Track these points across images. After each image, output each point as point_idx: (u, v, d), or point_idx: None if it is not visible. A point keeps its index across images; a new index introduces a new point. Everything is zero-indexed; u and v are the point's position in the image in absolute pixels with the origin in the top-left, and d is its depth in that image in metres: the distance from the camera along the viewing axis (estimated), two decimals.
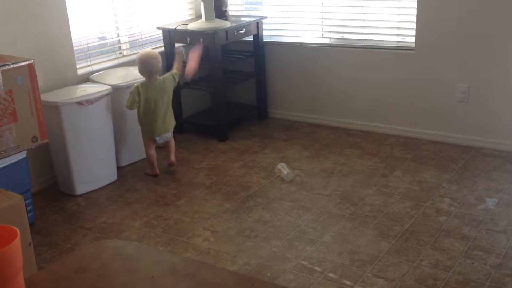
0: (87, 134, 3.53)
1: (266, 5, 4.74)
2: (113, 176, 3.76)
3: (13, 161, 3.04)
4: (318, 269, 2.68)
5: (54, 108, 3.37)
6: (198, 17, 4.58)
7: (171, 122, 3.81)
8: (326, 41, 4.49)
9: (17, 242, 1.15)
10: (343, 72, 4.40)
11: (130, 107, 3.65)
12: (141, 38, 4.37)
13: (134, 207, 3.40)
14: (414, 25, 4.01)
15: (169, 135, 3.80)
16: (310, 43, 4.53)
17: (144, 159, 3.99)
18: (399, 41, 4.18)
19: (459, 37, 3.87)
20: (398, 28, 4.18)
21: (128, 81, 3.81)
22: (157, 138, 3.74)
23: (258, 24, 4.52)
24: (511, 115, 3.84)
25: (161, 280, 1.39)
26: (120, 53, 4.26)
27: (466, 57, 3.88)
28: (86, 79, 3.85)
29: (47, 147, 3.52)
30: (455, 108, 4.01)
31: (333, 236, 2.96)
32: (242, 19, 4.56)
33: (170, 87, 3.77)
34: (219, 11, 4.46)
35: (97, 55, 4.06)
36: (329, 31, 4.47)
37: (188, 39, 4.27)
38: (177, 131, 4.02)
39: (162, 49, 4.37)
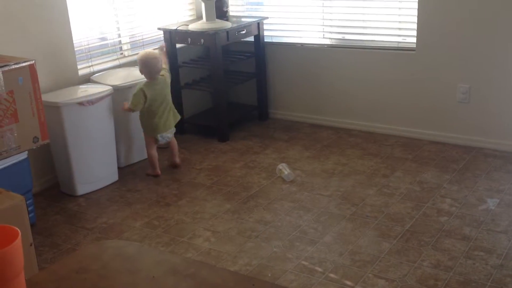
0: (88, 135, 3.54)
1: (267, 6, 4.74)
2: (114, 177, 3.76)
3: (14, 161, 3.05)
4: (319, 269, 2.68)
5: (55, 109, 3.37)
6: (199, 17, 4.58)
7: (174, 118, 3.84)
8: (327, 42, 4.49)
9: (18, 242, 1.15)
10: (344, 72, 4.40)
11: (135, 108, 3.65)
12: (142, 39, 4.37)
13: (135, 208, 3.41)
14: (415, 26, 4.02)
15: (171, 133, 3.81)
16: (311, 43, 4.53)
17: (144, 159, 3.99)
18: (400, 42, 4.18)
19: (460, 37, 3.87)
20: (399, 29, 4.18)
21: (129, 82, 3.81)
22: (159, 137, 3.74)
23: (259, 25, 4.52)
24: None
25: (162, 281, 1.39)
26: (121, 53, 4.26)
27: (467, 57, 3.88)
28: (87, 79, 3.85)
29: (48, 147, 3.53)
30: (456, 108, 4.01)
31: (334, 237, 2.96)
32: (243, 19, 4.56)
33: (169, 82, 3.79)
34: (220, 12, 4.46)
35: (98, 56, 4.06)
36: (330, 32, 4.47)
37: (189, 39, 4.27)
38: (178, 131, 4.02)
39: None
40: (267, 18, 4.59)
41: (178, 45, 4.42)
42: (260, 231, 3.06)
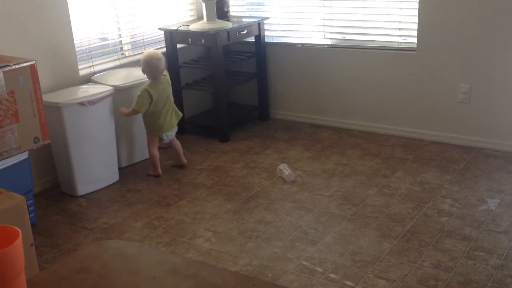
0: (88, 135, 3.54)
1: (267, 6, 4.74)
2: (115, 177, 3.77)
3: (15, 161, 3.05)
4: (320, 269, 2.68)
5: (56, 109, 3.37)
6: (200, 18, 4.59)
7: (177, 116, 3.86)
8: (328, 42, 4.49)
9: (19, 242, 1.16)
10: (345, 72, 4.40)
11: (140, 110, 3.65)
12: (143, 39, 4.37)
13: (135, 208, 3.41)
14: (415, 26, 4.01)
15: (174, 132, 3.84)
16: (312, 43, 4.53)
17: (145, 159, 4.00)
18: (400, 42, 4.18)
19: (460, 37, 3.87)
20: (400, 29, 4.18)
21: (130, 82, 3.82)
22: (164, 136, 3.77)
23: (259, 25, 4.52)
24: None
25: (163, 281, 1.40)
26: (122, 53, 4.26)
27: (468, 57, 3.88)
28: (88, 79, 3.85)
29: (49, 147, 3.53)
30: (456, 108, 4.01)
31: (334, 237, 2.96)
32: (243, 20, 4.56)
33: (170, 81, 3.81)
34: (221, 12, 4.47)
35: (99, 56, 4.06)
36: (330, 32, 4.47)
37: (190, 39, 4.27)
38: (179, 131, 4.02)
39: (164, 50, 4.37)
40: (267, 18, 4.59)
41: (178, 45, 4.42)
42: (261, 232, 3.06)
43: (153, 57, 3.65)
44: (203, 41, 4.20)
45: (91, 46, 3.97)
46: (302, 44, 4.57)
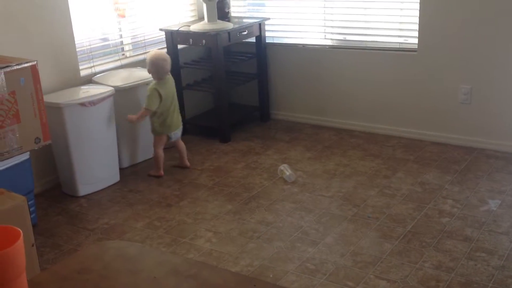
0: (89, 135, 3.54)
1: (268, 7, 4.74)
2: (116, 177, 3.77)
3: (16, 162, 3.05)
4: (321, 270, 2.68)
5: (57, 109, 3.37)
6: (201, 18, 4.59)
7: (180, 115, 3.91)
8: (329, 43, 4.49)
9: (20, 243, 1.16)
10: (346, 73, 4.40)
11: (152, 107, 3.67)
12: (144, 40, 4.38)
13: (136, 208, 3.41)
14: (416, 27, 4.01)
15: (180, 131, 3.88)
16: (313, 44, 4.53)
17: (146, 160, 4.00)
18: (401, 43, 4.18)
19: (461, 38, 3.86)
20: (401, 30, 4.18)
21: (131, 83, 3.82)
22: (173, 135, 3.81)
23: (260, 26, 4.52)
24: None
25: (164, 281, 1.40)
26: (123, 54, 4.26)
27: (469, 58, 3.88)
28: (89, 80, 3.86)
29: (50, 148, 3.53)
30: (457, 109, 4.01)
31: (335, 238, 2.96)
32: (244, 20, 4.56)
33: (173, 80, 3.85)
34: (222, 13, 4.47)
35: (100, 57, 4.07)
36: (331, 33, 4.47)
37: (191, 40, 4.27)
38: None
39: (165, 50, 4.37)
40: (268, 19, 4.59)
41: (179, 46, 4.42)
42: (262, 232, 3.06)
43: (159, 57, 3.68)
44: (204, 41, 4.20)
45: (92, 46, 3.97)
46: (303, 45, 4.57)
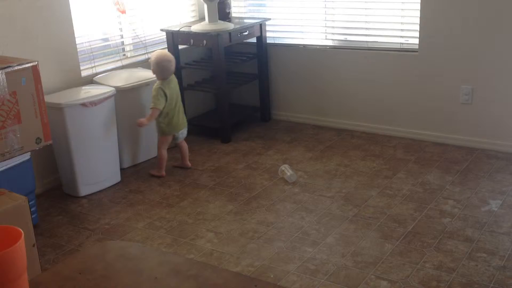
0: (90, 136, 3.54)
1: (269, 7, 4.74)
2: (117, 178, 3.77)
3: (17, 162, 3.05)
4: (321, 270, 2.68)
5: (58, 110, 3.38)
6: (202, 19, 4.59)
7: (185, 115, 3.93)
8: (330, 43, 4.49)
9: (21, 243, 1.16)
10: (347, 73, 4.40)
11: (159, 106, 3.67)
12: (145, 40, 4.38)
13: (137, 209, 3.41)
14: (417, 27, 4.01)
15: (186, 130, 3.89)
16: (314, 44, 4.53)
17: (147, 160, 4.00)
18: (402, 43, 4.18)
19: (462, 38, 3.86)
20: (402, 30, 4.18)
21: (132, 83, 3.82)
22: (180, 134, 3.83)
23: (261, 26, 4.52)
24: None
25: (165, 281, 1.40)
26: (124, 54, 4.27)
27: (470, 58, 3.88)
28: (90, 80, 3.86)
29: (51, 148, 3.53)
30: (458, 109, 4.01)
31: (336, 238, 2.96)
32: (245, 21, 4.56)
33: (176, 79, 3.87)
34: (223, 13, 4.47)
35: (101, 57, 4.07)
36: (332, 33, 4.47)
37: (192, 40, 4.27)
38: None
39: (166, 50, 4.37)
40: (269, 19, 4.59)
41: (180, 46, 4.42)
42: (263, 232, 3.06)
43: (164, 58, 3.69)
44: (205, 42, 4.20)
45: (93, 47, 3.98)
46: (304, 45, 4.57)
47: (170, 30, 4.34)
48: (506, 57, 3.76)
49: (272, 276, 2.67)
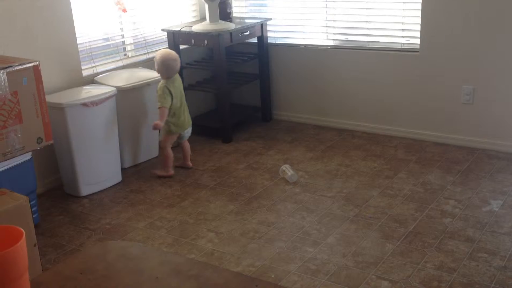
0: (92, 136, 3.54)
1: (270, 7, 4.74)
2: (118, 178, 3.77)
3: (18, 162, 3.05)
4: (322, 270, 2.68)
5: (59, 110, 3.38)
6: (203, 19, 4.59)
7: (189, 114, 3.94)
8: (331, 43, 4.49)
9: (22, 243, 1.16)
10: (348, 73, 4.40)
11: (166, 104, 3.67)
12: (146, 40, 4.38)
13: (138, 208, 3.41)
14: (418, 27, 4.01)
15: (191, 128, 3.90)
16: (315, 44, 4.53)
17: (148, 160, 4.00)
18: (403, 43, 4.18)
19: (463, 38, 3.86)
20: (403, 30, 4.17)
21: (133, 83, 3.82)
22: (186, 133, 3.84)
23: (262, 26, 4.52)
24: None
25: (166, 281, 1.40)
26: (125, 54, 4.27)
27: (471, 58, 3.87)
28: (91, 80, 3.86)
29: (52, 148, 3.53)
30: (460, 109, 4.01)
31: (337, 238, 2.96)
32: (246, 21, 4.56)
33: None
34: (224, 13, 4.47)
35: (102, 57, 4.07)
36: (333, 33, 4.47)
37: (193, 40, 4.28)
38: None
39: None
40: (270, 19, 4.59)
41: (181, 46, 4.42)
42: (263, 232, 3.06)
43: (170, 57, 3.70)
44: (206, 42, 4.20)
45: (94, 47, 3.98)
46: (305, 45, 4.57)
47: (171, 30, 4.34)
48: (507, 57, 3.75)
49: (273, 276, 2.67)
